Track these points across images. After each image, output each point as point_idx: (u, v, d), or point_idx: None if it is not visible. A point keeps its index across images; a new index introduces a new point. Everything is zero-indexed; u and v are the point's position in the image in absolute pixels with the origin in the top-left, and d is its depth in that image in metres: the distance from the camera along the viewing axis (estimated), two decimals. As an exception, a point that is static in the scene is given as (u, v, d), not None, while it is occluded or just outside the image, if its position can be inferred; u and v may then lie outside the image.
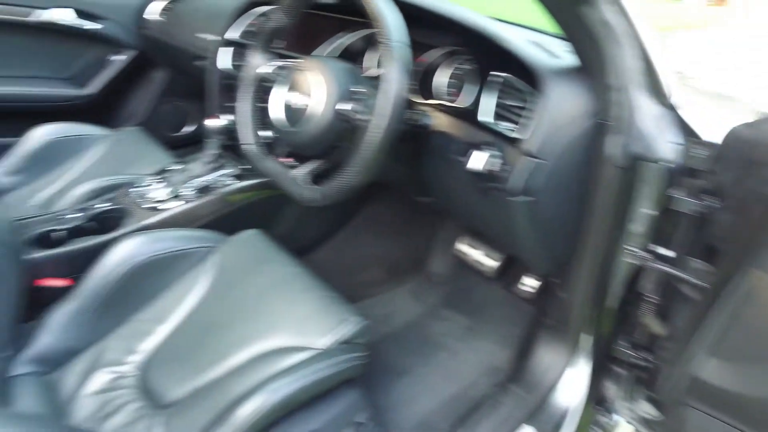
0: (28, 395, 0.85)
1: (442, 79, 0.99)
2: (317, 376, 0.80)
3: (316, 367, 0.80)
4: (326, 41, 1.15)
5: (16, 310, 0.90)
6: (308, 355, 0.83)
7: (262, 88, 0.98)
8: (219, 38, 1.37)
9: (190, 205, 1.17)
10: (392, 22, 0.75)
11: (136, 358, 0.95)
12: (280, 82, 0.91)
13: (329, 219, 1.56)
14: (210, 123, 1.22)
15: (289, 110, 0.87)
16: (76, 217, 1.14)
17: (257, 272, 1.00)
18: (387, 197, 1.62)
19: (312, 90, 0.83)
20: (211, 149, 1.26)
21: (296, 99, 0.86)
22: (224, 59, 1.33)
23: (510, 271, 1.39)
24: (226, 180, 1.24)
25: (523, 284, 1.35)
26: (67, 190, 1.36)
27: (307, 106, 0.83)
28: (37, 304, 0.97)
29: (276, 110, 0.90)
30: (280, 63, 0.95)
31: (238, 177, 1.26)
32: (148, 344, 0.96)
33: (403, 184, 1.20)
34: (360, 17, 1.15)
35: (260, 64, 0.98)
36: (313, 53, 1.15)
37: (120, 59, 1.82)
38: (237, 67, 1.32)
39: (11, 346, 0.90)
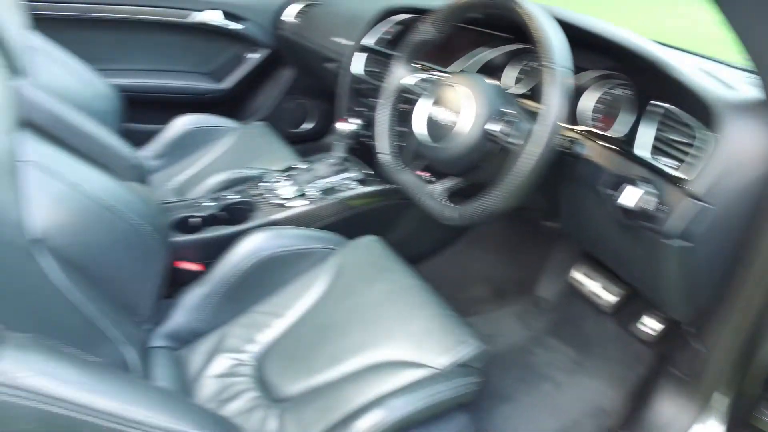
0: (162, 367, 0.92)
1: (588, 103, 0.94)
2: (435, 398, 0.78)
3: (435, 389, 0.79)
4: (465, 55, 1.14)
5: (160, 287, 0.97)
6: (426, 374, 0.82)
7: (403, 99, 0.99)
8: (354, 43, 1.40)
9: (314, 205, 1.21)
10: (557, 46, 0.72)
11: (254, 348, 0.99)
12: (425, 96, 0.90)
13: (443, 231, 1.55)
14: (340, 126, 1.25)
15: (433, 125, 0.87)
16: (210, 206, 1.21)
17: (375, 279, 1.01)
18: (504, 215, 1.58)
19: (460, 107, 0.82)
20: (338, 152, 1.29)
21: (442, 114, 0.85)
22: (357, 64, 1.36)
23: (629, 308, 1.30)
24: (350, 183, 1.27)
25: (644, 324, 1.25)
26: (201, 178, 1.47)
27: (454, 123, 0.82)
28: (173, 283, 1.05)
29: (419, 124, 0.90)
30: (424, 75, 0.95)
31: (361, 182, 1.28)
32: (266, 336, 1.00)
33: (531, 207, 1.16)
34: (502, 32, 1.12)
35: (403, 75, 0.98)
36: (451, 67, 1.14)
37: (254, 57, 1.93)
38: (369, 73, 1.35)
39: (152, 319, 0.98)
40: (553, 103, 0.70)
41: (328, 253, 1.09)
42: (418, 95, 0.93)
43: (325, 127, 2.19)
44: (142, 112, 1.77)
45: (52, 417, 0.44)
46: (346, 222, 1.25)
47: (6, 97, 0.70)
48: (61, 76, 1.39)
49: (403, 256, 1.07)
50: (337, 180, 1.27)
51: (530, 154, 0.71)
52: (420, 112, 0.90)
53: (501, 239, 1.58)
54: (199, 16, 1.78)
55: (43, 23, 1.43)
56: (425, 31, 0.95)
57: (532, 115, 0.78)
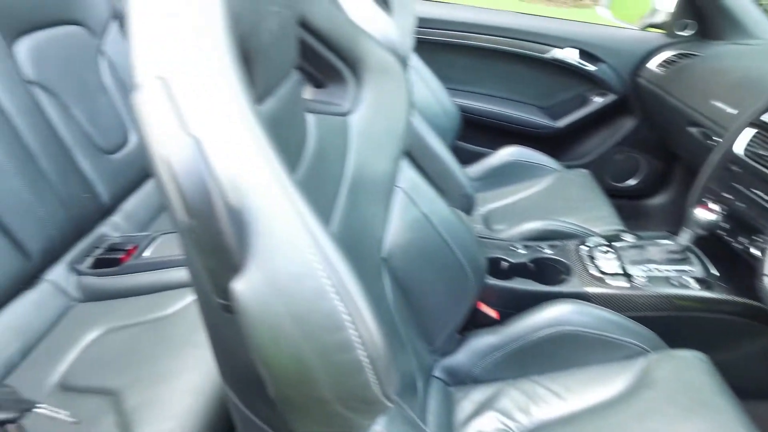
0: (436, 400, 0.93)
1: None
2: None
3: None
4: None
5: (461, 321, 0.98)
6: None
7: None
8: (744, 115, 1.16)
9: (635, 291, 1.05)
10: None
11: (525, 420, 0.91)
12: None
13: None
14: (699, 213, 1.04)
15: None
16: (522, 254, 1.17)
17: (691, 412, 0.82)
18: None
19: None
20: (683, 240, 1.09)
21: None
22: (741, 142, 1.12)
23: None
24: (686, 280, 1.06)
25: None
26: (512, 214, 1.44)
27: None
28: (466, 321, 1.05)
29: None
30: None
31: (701, 282, 1.05)
32: (541, 413, 0.91)
33: None
34: None
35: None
36: None
37: (599, 100, 1.81)
38: (754, 155, 1.09)
39: (440, 350, 0.99)
40: None
41: (640, 353, 0.94)
42: None
43: (651, 188, 1.94)
44: (473, 133, 1.85)
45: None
46: (666, 322, 1.05)
47: (403, 128, 0.76)
48: (422, 92, 1.54)
49: (732, 387, 0.85)
50: (672, 271, 1.08)
51: None
52: None
53: None
54: (557, 53, 1.75)
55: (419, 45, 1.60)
56: None
57: None
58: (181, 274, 1.12)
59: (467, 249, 0.93)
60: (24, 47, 1.20)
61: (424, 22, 1.68)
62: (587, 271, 1.10)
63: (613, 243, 1.17)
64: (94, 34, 1.43)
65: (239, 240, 0.27)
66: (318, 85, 0.69)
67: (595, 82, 1.81)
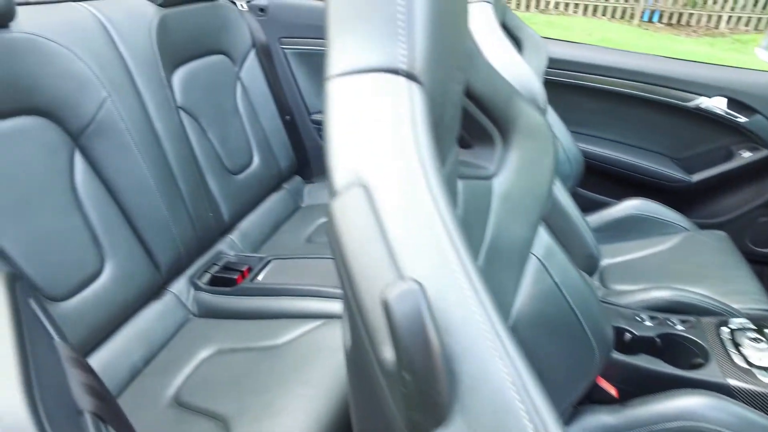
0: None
1: None
2: None
3: None
4: None
5: (580, 395, 0.90)
6: None
7: None
8: None
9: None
10: None
11: None
12: None
13: None
14: None
15: None
16: (649, 327, 1.06)
17: None
18: None
19: None
20: None
21: None
22: None
23: None
24: None
25: None
26: (636, 277, 1.32)
27: None
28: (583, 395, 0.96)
29: None
30: None
31: None
32: None
33: None
34: None
35: None
36: None
37: (746, 155, 1.62)
38: None
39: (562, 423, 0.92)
40: None
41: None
42: None
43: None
44: (595, 180, 1.74)
45: None
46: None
47: (546, 192, 0.71)
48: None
49: None
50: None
51: None
52: None
53: None
54: (703, 102, 1.59)
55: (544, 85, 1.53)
56: None
57: None
58: (292, 303, 1.14)
59: (595, 320, 0.85)
60: (177, 76, 1.31)
61: (551, 63, 1.61)
62: (730, 359, 0.97)
63: (765, 329, 1.03)
64: (235, 62, 1.53)
65: (451, 393, 0.25)
66: (464, 145, 0.67)
67: (744, 135, 1.62)
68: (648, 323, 1.07)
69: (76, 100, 1.01)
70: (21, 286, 0.58)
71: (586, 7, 7.45)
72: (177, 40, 1.30)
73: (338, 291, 1.14)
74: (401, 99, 0.31)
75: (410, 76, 0.32)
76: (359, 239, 0.26)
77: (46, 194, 0.95)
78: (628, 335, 1.05)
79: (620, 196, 1.59)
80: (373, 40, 0.31)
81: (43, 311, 0.62)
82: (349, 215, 0.27)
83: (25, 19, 0.97)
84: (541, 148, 0.71)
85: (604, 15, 7.37)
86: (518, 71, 0.97)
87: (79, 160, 1.02)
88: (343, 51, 0.32)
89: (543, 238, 0.78)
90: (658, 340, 1.05)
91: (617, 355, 1.01)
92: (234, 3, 1.57)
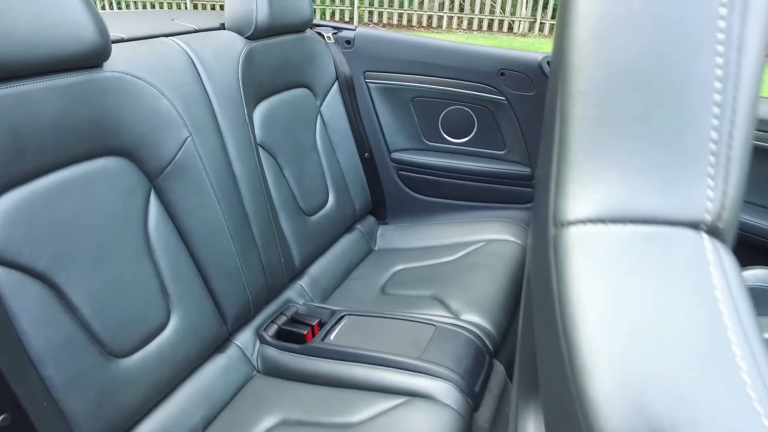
0: None
1: None
2: None
3: None
4: None
5: None
6: None
7: None
8: None
9: None
10: None
11: None
12: None
13: None
14: None
15: None
16: None
17: None
18: None
19: None
20: None
21: None
22: None
23: None
24: None
25: None
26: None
27: None
28: None
29: None
30: None
31: None
32: None
33: None
34: None
35: None
36: None
37: None
38: None
39: None
40: None
41: None
42: None
43: None
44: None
45: None
46: None
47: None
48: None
49: None
50: None
51: None
52: None
53: None
54: None
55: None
56: None
57: None
58: (367, 372, 1.02)
59: None
60: (258, 111, 1.23)
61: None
62: None
63: None
64: (317, 95, 1.45)
65: None
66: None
67: None
68: None
69: (157, 140, 0.94)
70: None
71: None
72: (261, 74, 1.23)
73: (421, 364, 1.01)
74: (711, 271, 0.18)
75: (715, 232, 0.20)
76: None
77: (120, 240, 0.88)
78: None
79: (744, 263, 1.37)
80: (661, 176, 0.19)
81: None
82: None
83: (116, 54, 0.91)
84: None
85: None
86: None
87: (153, 203, 0.95)
88: (597, 184, 0.20)
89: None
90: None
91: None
92: (321, 35, 1.50)
